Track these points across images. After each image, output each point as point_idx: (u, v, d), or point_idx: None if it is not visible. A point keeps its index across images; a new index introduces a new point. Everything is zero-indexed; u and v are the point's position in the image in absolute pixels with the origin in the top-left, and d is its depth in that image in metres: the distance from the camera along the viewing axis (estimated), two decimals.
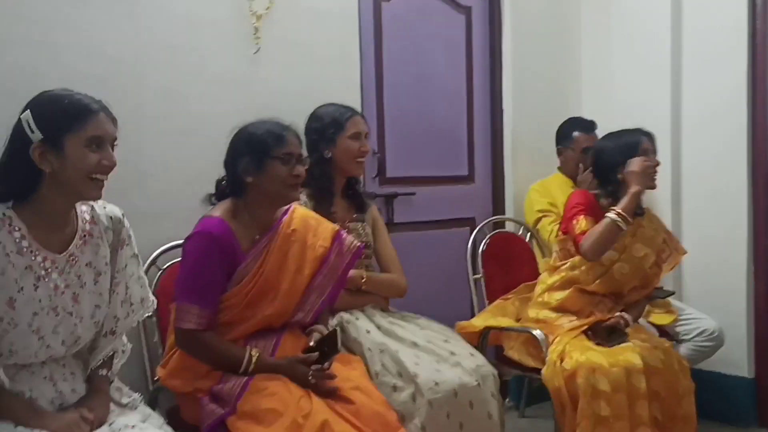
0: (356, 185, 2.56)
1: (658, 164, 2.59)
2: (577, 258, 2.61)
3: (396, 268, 2.54)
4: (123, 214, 1.83)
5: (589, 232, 2.51)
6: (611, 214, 2.49)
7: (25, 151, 1.59)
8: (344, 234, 2.19)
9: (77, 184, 1.62)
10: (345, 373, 2.00)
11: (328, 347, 1.98)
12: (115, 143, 1.68)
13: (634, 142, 2.58)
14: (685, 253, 2.76)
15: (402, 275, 2.53)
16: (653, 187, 2.60)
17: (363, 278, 2.40)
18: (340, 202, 2.50)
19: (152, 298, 1.91)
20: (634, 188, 2.52)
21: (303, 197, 2.38)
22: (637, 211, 2.63)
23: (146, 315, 1.90)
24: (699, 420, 2.50)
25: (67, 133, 1.59)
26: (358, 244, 2.20)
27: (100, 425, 1.66)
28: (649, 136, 2.63)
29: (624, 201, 2.51)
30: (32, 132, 1.58)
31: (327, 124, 2.46)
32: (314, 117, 2.51)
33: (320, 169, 2.43)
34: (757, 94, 3.23)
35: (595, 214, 2.57)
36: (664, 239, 2.70)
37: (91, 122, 1.62)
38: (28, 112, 1.60)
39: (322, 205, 2.40)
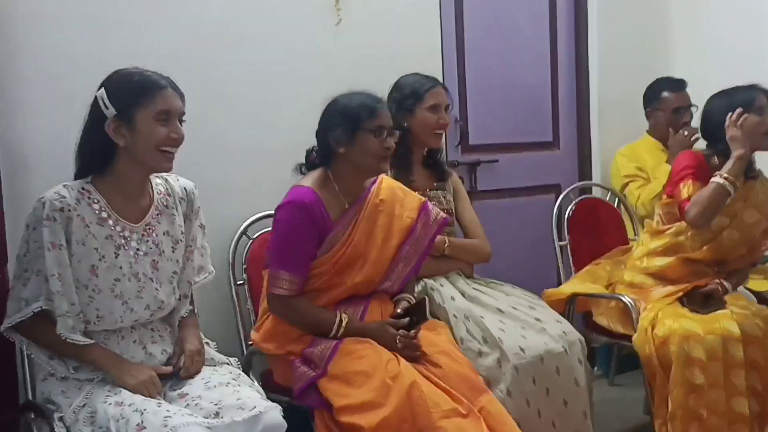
0: (437, 155, 2.55)
1: None
2: (683, 223, 2.49)
3: (479, 234, 2.53)
4: (195, 187, 1.93)
5: (695, 198, 2.39)
6: (717, 179, 2.37)
7: (101, 127, 1.71)
8: (431, 205, 2.20)
9: (148, 157, 1.73)
10: (431, 338, 2.02)
11: (416, 315, 2.01)
12: (183, 117, 1.77)
13: (749, 100, 2.44)
14: None
15: (485, 241, 2.53)
16: (767, 148, 2.47)
17: (446, 243, 2.41)
18: (419, 171, 2.50)
19: (211, 268, 2.01)
20: (737, 152, 2.39)
21: None
22: (751, 173, 2.51)
23: (202, 282, 1.99)
24: None
25: (138, 108, 1.70)
26: (444, 215, 2.21)
27: (189, 365, 1.78)
28: (765, 91, 2.48)
29: (728, 165, 2.39)
30: (107, 108, 1.70)
31: (406, 95, 2.45)
32: (396, 86, 2.51)
33: (399, 139, 2.44)
34: None
35: (705, 176, 2.45)
36: None
37: (160, 97, 1.71)
38: (102, 90, 1.72)
39: (401, 174, 2.40)
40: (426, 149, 2.52)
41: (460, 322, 2.21)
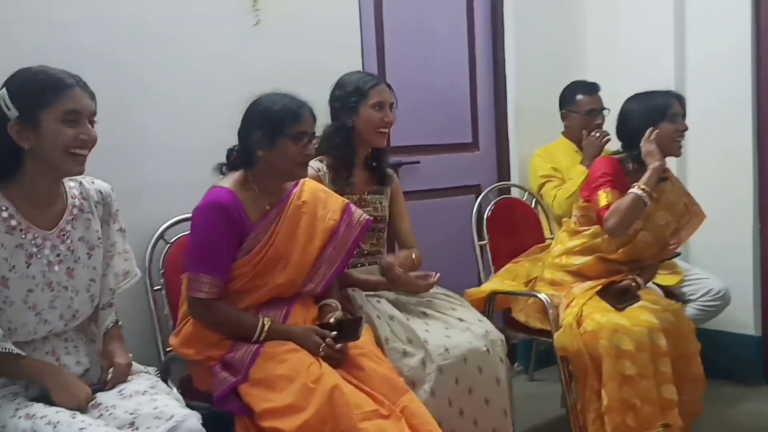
0: (382, 157, 2.50)
1: (685, 129, 2.54)
2: (599, 226, 2.57)
3: (412, 243, 2.52)
4: (111, 189, 1.85)
5: (613, 208, 2.45)
6: (636, 190, 2.43)
7: (4, 130, 1.60)
8: (353, 207, 2.20)
9: (56, 160, 1.63)
10: None
11: (348, 330, 1.99)
12: (94, 118, 1.68)
13: (663, 106, 2.52)
14: (704, 217, 2.70)
15: (418, 250, 2.53)
16: (678, 154, 2.57)
17: (414, 258, 2.40)
18: (360, 173, 2.46)
19: (137, 271, 1.94)
20: (653, 165, 2.46)
21: (322, 168, 2.37)
22: (662, 175, 2.61)
23: (126, 286, 1.93)
24: (707, 378, 2.52)
25: (42, 109, 1.60)
26: (368, 217, 2.21)
27: (119, 379, 1.72)
28: (679, 98, 2.57)
29: (646, 176, 2.45)
30: (8, 109, 1.60)
31: (350, 92, 2.40)
32: (339, 84, 2.45)
33: (341, 137, 2.38)
34: (761, 51, 3.21)
35: (621, 182, 2.52)
36: (685, 204, 2.67)
37: (66, 97, 1.62)
38: (3, 89, 1.62)
39: (340, 174, 2.37)
40: (370, 150, 2.47)
41: (384, 322, 2.21)
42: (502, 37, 3.49)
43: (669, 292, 2.96)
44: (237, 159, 2.09)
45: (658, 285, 2.90)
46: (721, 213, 3.25)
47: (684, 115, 2.58)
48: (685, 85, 3.37)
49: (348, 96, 2.40)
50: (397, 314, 2.24)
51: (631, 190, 2.45)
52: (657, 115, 2.52)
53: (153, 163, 2.37)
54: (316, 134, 2.10)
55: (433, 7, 3.31)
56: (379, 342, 2.13)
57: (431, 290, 2.48)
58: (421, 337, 2.15)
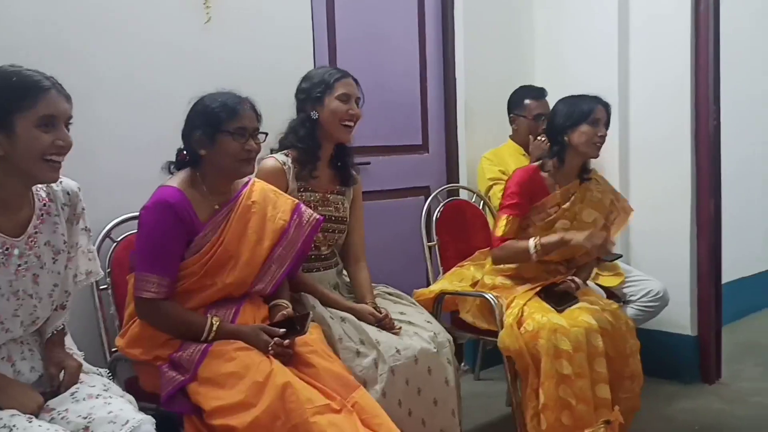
0: (347, 157, 2.47)
1: (603, 135, 2.61)
2: (532, 229, 2.64)
3: (363, 255, 2.50)
4: (79, 188, 1.79)
5: (506, 245, 2.59)
6: (532, 242, 2.55)
7: None
8: (303, 207, 2.20)
9: (31, 167, 1.56)
10: (303, 338, 2.01)
11: (298, 326, 1.99)
12: (70, 122, 1.62)
13: (587, 111, 2.59)
14: (632, 211, 2.79)
15: (366, 266, 2.51)
16: (595, 155, 2.65)
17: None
18: (325, 171, 2.42)
19: (100, 271, 1.90)
20: (564, 236, 2.54)
21: (288, 162, 2.34)
22: (586, 176, 2.69)
23: (86, 284, 1.88)
24: (645, 376, 2.60)
25: (17, 113, 1.52)
26: (318, 217, 2.20)
27: (72, 381, 1.67)
28: (605, 105, 2.64)
29: (550, 238, 2.56)
30: None
31: (315, 84, 2.37)
32: (305, 77, 2.43)
33: (306, 130, 2.35)
34: (700, 64, 3.32)
35: (534, 193, 2.61)
36: (612, 200, 2.76)
37: (42, 100, 1.54)
38: None
39: (305, 169, 2.34)
40: (335, 148, 2.43)
41: (337, 323, 2.20)
42: (453, 42, 3.52)
43: (611, 293, 3.05)
44: (185, 158, 2.07)
45: (600, 286, 2.99)
46: (660, 220, 3.40)
47: (607, 123, 2.65)
48: (628, 94, 3.50)
49: (313, 87, 2.37)
50: (348, 316, 2.24)
51: (531, 239, 2.56)
52: (580, 117, 2.59)
53: (101, 160, 2.32)
54: (261, 130, 2.06)
55: (384, 10, 3.33)
56: (332, 341, 2.14)
57: (383, 289, 2.52)
58: (373, 338, 2.16)
